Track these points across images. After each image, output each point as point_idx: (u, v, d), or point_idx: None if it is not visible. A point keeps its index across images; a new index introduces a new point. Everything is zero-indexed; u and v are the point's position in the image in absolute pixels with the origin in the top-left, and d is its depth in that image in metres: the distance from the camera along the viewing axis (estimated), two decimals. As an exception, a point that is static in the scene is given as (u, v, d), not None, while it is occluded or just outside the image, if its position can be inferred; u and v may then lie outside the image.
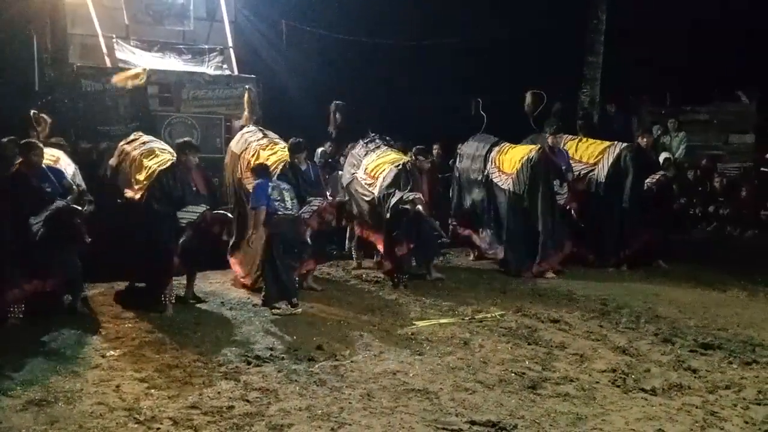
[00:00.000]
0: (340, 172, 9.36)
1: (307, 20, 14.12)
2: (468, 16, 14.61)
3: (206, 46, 10.96)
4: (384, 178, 7.87)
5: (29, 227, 5.68)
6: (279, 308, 6.46)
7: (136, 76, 9.18)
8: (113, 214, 6.87)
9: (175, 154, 6.72)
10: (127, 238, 6.65)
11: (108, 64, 9.99)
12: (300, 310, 6.43)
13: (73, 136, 8.85)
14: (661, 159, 10.30)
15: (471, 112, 9.71)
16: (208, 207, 6.41)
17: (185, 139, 7.06)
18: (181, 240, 6.23)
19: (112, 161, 7.39)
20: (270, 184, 6.70)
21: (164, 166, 6.56)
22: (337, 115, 10.23)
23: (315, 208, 6.88)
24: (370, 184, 8.16)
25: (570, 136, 9.64)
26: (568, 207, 8.57)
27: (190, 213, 6.30)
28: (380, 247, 8.24)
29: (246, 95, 8.92)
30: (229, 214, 6.65)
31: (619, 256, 8.71)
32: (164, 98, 9.79)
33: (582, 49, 13.15)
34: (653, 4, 13.88)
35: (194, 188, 6.53)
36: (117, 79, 9.16)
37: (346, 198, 8.45)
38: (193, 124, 9.89)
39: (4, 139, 6.27)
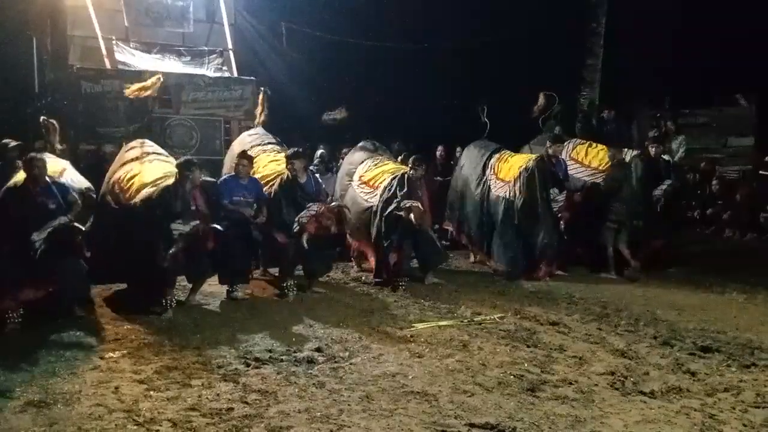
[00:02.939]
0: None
1: (306, 22, 14.16)
2: (468, 18, 14.65)
3: (206, 48, 11.00)
4: (384, 188, 7.86)
5: (31, 242, 5.70)
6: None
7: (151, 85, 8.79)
8: (111, 220, 6.84)
9: (177, 168, 6.69)
10: (123, 244, 6.61)
11: (108, 65, 10.01)
12: (242, 296, 7.02)
13: (73, 138, 8.85)
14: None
15: (479, 118, 9.66)
16: (200, 222, 6.28)
17: (187, 157, 6.97)
18: (171, 251, 6.10)
19: (112, 167, 7.37)
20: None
21: (167, 183, 6.49)
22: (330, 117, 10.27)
23: (313, 213, 6.87)
24: (368, 193, 8.13)
25: (580, 141, 9.60)
26: (559, 216, 8.52)
27: (183, 226, 6.17)
28: (372, 259, 8.22)
29: (261, 96, 8.89)
30: (220, 228, 6.47)
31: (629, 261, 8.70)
32: (164, 100, 9.80)
33: (581, 52, 13.18)
34: (652, 7, 13.91)
35: (194, 207, 6.45)
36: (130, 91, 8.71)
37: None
38: (192, 126, 9.90)
39: (12, 144, 6.25)
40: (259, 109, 8.88)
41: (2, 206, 5.98)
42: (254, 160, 7.84)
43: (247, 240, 7.01)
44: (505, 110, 10.26)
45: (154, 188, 6.45)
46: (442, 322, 6.19)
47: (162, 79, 8.71)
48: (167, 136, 9.40)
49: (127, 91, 8.58)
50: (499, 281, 8.16)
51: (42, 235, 5.70)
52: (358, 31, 14.20)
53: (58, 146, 7.07)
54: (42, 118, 7.01)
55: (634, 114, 13.60)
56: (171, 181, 6.49)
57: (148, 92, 8.49)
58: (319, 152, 10.66)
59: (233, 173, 7.18)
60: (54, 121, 7.03)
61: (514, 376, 4.76)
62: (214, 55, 10.90)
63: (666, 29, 14.16)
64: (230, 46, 11.26)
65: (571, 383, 4.64)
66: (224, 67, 10.87)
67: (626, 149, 9.12)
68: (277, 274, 7.70)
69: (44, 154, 6.43)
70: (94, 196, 6.60)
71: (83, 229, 5.93)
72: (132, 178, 6.77)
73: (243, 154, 7.24)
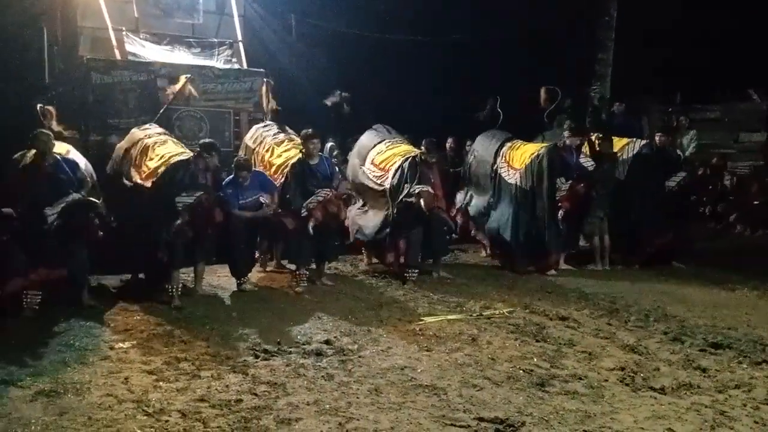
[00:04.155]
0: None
1: (316, 14, 14.11)
2: (479, 11, 14.56)
3: (215, 40, 10.96)
4: (394, 171, 7.82)
5: (44, 217, 5.70)
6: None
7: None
8: (119, 206, 6.86)
9: (189, 151, 6.72)
10: (131, 229, 6.64)
11: (118, 56, 10.00)
12: (251, 288, 7.10)
13: (83, 129, 8.86)
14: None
15: (489, 110, 9.62)
16: (203, 192, 6.32)
17: (210, 140, 6.99)
18: (176, 223, 6.15)
19: (121, 144, 7.38)
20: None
21: (181, 158, 6.53)
22: (345, 107, 10.24)
23: (320, 199, 6.86)
24: (380, 176, 8.09)
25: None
26: (559, 204, 8.48)
27: (188, 197, 6.21)
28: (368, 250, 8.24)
29: (264, 86, 8.84)
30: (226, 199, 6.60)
31: (637, 254, 8.68)
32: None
33: (593, 46, 13.09)
34: (664, 1, 13.79)
35: (202, 181, 6.49)
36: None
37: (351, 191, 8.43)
38: (202, 118, 9.87)
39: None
40: (264, 100, 8.83)
41: (15, 183, 6.00)
42: (267, 150, 7.85)
43: (252, 233, 7.04)
44: (515, 104, 10.23)
45: (165, 165, 6.49)
46: (451, 316, 6.18)
47: (189, 78, 8.79)
48: (177, 127, 9.38)
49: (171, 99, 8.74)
50: (508, 275, 8.14)
51: (56, 210, 5.72)
52: (368, 24, 14.14)
53: (60, 130, 7.04)
54: (39, 105, 6.99)
55: (645, 108, 13.51)
56: (184, 156, 6.51)
57: (182, 93, 8.55)
58: (328, 145, 10.63)
59: (232, 178, 7.09)
60: (51, 108, 7.02)
61: (524, 370, 4.75)
62: (224, 47, 10.87)
63: (678, 23, 14.03)
64: (240, 37, 11.22)
65: (580, 378, 4.62)
66: (234, 59, 10.84)
67: (635, 139, 9.09)
68: (291, 268, 7.71)
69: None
70: (95, 180, 6.62)
71: (99, 205, 5.95)
72: (147, 156, 6.78)
73: (241, 166, 7.09)
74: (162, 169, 6.49)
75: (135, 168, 6.81)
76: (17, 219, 5.82)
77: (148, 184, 6.52)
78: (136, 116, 9.07)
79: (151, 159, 6.73)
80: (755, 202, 11.24)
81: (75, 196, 5.84)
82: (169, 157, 6.58)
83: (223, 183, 6.99)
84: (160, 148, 6.82)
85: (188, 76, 8.93)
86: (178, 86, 8.90)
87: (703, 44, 13.86)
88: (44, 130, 6.18)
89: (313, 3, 14.06)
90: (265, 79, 9.28)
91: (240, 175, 6.98)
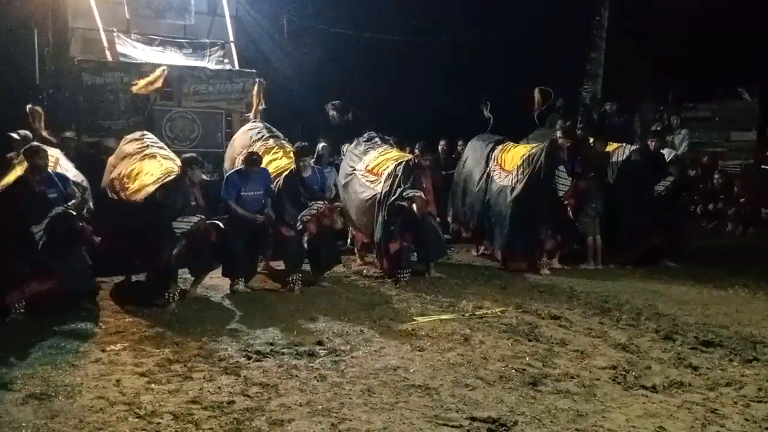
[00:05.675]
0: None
1: (308, 15, 14.13)
2: (470, 12, 14.60)
3: (207, 41, 10.96)
4: (387, 175, 7.84)
5: (32, 235, 5.72)
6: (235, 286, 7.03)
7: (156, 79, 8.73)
8: (114, 212, 6.85)
9: (178, 163, 6.72)
10: (126, 235, 6.63)
11: (109, 58, 9.98)
12: (243, 290, 7.02)
13: (74, 130, 8.84)
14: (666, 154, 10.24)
15: (481, 113, 9.62)
16: (202, 217, 6.34)
17: (192, 155, 6.96)
18: (176, 249, 6.18)
19: (111, 159, 7.38)
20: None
21: (169, 179, 6.53)
22: (334, 113, 10.25)
23: (314, 212, 6.92)
24: (372, 181, 8.12)
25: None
26: (565, 202, 8.48)
27: (185, 223, 6.24)
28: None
29: (256, 87, 8.83)
30: (221, 224, 6.50)
31: (628, 255, 8.72)
32: (165, 92, 9.75)
33: (584, 46, 13.12)
34: (655, 1, 13.85)
35: (193, 202, 6.51)
36: (138, 88, 8.65)
37: (341, 198, 8.43)
38: (193, 119, 9.88)
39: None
40: (254, 100, 8.83)
41: (5, 199, 5.99)
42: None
43: (253, 238, 7.03)
44: (508, 104, 10.24)
45: (156, 186, 6.48)
46: (443, 316, 6.19)
47: (167, 71, 8.66)
48: (168, 128, 9.38)
49: (134, 88, 8.59)
50: (500, 275, 8.15)
51: (41, 227, 5.73)
52: (359, 24, 14.16)
53: (44, 133, 7.02)
54: (28, 106, 6.97)
55: (637, 107, 13.56)
56: (171, 178, 6.52)
57: (156, 86, 8.46)
58: (320, 146, 10.62)
59: (240, 168, 7.14)
60: (39, 109, 7.00)
61: (516, 370, 4.76)
62: (216, 48, 10.87)
63: (669, 22, 14.09)
64: (231, 38, 11.23)
65: (572, 377, 4.63)
66: (225, 60, 10.85)
67: (624, 144, 9.12)
68: (280, 268, 7.70)
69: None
70: (86, 186, 6.62)
71: (79, 215, 5.96)
72: (133, 175, 6.78)
73: (253, 162, 7.08)
74: (148, 189, 6.48)
75: (121, 186, 6.80)
76: (8, 233, 5.82)
77: (138, 197, 6.50)
78: (127, 117, 9.09)
79: (139, 175, 6.71)
80: (741, 200, 11.29)
81: (58, 209, 5.87)
82: (159, 177, 6.57)
83: (229, 173, 7.07)
84: (149, 166, 6.81)
85: (163, 69, 8.86)
86: (153, 77, 8.84)
87: (695, 43, 13.92)
88: (40, 146, 6.15)
89: (304, 3, 14.08)
90: (257, 79, 9.25)
91: (251, 170, 7.04)
